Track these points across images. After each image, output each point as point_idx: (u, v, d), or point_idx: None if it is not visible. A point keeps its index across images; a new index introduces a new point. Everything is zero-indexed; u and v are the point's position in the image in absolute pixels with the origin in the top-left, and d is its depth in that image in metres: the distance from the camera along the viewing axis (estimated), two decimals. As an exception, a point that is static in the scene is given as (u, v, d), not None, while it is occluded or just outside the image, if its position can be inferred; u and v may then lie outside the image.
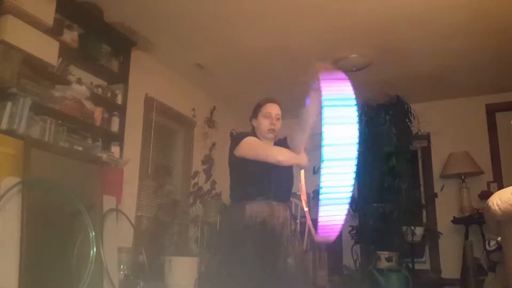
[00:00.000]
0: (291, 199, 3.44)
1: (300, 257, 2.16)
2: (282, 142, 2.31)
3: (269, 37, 3.90)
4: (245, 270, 2.03)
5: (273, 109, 2.27)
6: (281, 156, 2.12)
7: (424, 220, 4.98)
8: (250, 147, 2.18)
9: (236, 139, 2.26)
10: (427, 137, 5.09)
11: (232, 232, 2.16)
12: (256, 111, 2.31)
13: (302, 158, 2.15)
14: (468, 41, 3.84)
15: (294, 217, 2.26)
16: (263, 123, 2.26)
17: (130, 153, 3.81)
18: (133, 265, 3.55)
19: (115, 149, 3.53)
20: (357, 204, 4.85)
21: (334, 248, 4.75)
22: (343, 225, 1.70)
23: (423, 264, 4.89)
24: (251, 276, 2.01)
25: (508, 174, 4.70)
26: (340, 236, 5.32)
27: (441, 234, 4.66)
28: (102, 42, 3.60)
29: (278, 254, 2.08)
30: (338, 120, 1.61)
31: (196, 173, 4.67)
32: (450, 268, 4.63)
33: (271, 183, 2.17)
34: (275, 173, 2.18)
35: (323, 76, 1.72)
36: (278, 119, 2.27)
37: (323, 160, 1.58)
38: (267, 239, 2.08)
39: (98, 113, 3.45)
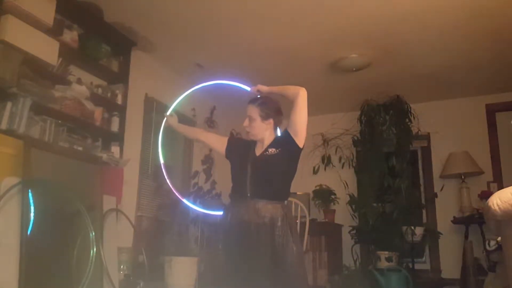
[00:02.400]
0: (290, 198, 3.43)
1: (293, 258, 2.08)
2: (284, 135, 2.27)
3: (269, 37, 3.90)
4: (226, 271, 2.08)
5: (247, 111, 2.29)
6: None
7: (424, 220, 4.98)
8: None
9: None
10: (427, 137, 5.09)
11: (220, 232, 2.21)
12: None
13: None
14: (468, 41, 3.84)
15: (287, 217, 2.17)
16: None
17: (130, 153, 3.81)
18: (133, 265, 3.55)
19: (115, 149, 3.53)
20: (357, 204, 4.85)
21: (334, 248, 4.76)
22: None
23: (423, 264, 4.88)
24: (231, 274, 2.06)
25: (508, 174, 4.70)
26: (340, 236, 5.33)
27: (441, 234, 4.66)
28: (102, 42, 3.60)
29: (262, 254, 2.05)
30: None
31: (196, 173, 4.67)
32: (450, 268, 4.63)
33: (248, 180, 2.17)
34: (260, 172, 2.18)
35: None
36: (250, 120, 2.26)
37: None
38: (250, 239, 2.08)
39: (98, 113, 3.45)
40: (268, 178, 2.19)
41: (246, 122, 2.27)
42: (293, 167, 2.26)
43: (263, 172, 2.19)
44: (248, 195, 2.15)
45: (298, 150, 2.21)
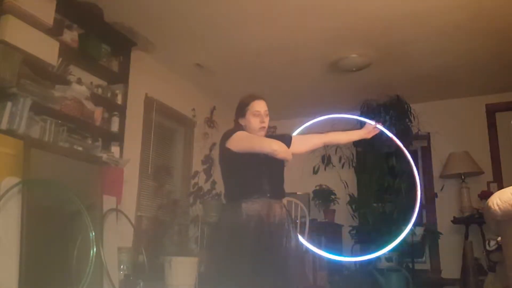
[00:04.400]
0: (290, 199, 3.43)
1: (297, 256, 2.13)
2: (278, 138, 2.27)
3: (269, 37, 3.90)
4: (242, 269, 2.00)
5: (262, 106, 2.22)
6: (275, 145, 2.09)
7: (424, 220, 4.98)
8: (244, 139, 2.15)
9: (226, 135, 2.21)
10: (427, 137, 5.09)
11: (229, 231, 2.10)
12: (243, 110, 2.24)
13: (290, 153, 2.16)
14: (468, 41, 3.84)
15: (290, 216, 2.22)
16: (254, 122, 2.20)
17: (130, 153, 3.81)
18: (133, 265, 3.55)
19: (115, 149, 3.53)
20: (357, 204, 4.85)
21: (334, 248, 4.76)
22: None
23: (423, 264, 4.88)
24: (249, 275, 1.99)
25: (508, 174, 4.70)
26: (340, 236, 5.30)
27: (441, 234, 4.66)
28: (102, 42, 3.60)
29: (276, 252, 2.05)
30: None
31: (196, 173, 4.66)
32: (450, 268, 4.63)
33: (266, 180, 2.14)
34: (269, 170, 2.16)
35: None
36: (266, 115, 2.23)
37: None
38: (265, 237, 2.06)
39: (98, 113, 3.45)
40: (280, 176, 2.22)
41: (264, 117, 2.21)
42: None
43: (276, 171, 2.19)
44: (265, 194, 2.11)
45: None
